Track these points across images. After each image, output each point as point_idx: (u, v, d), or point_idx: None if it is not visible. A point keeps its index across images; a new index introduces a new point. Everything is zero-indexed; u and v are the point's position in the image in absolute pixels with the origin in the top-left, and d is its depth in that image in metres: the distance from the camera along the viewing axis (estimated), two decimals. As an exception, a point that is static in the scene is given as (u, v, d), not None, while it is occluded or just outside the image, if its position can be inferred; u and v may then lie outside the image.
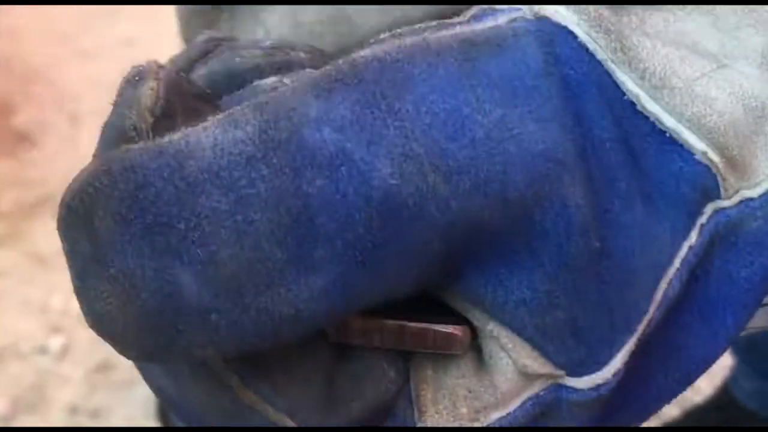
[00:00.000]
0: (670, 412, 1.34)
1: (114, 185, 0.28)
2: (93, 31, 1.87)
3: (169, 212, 0.28)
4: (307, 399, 0.30)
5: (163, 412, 1.07)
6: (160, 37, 1.90)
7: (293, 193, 0.28)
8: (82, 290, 0.29)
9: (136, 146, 0.29)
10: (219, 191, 0.28)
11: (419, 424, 0.32)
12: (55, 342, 1.34)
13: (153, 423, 1.12)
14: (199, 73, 0.33)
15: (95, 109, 1.74)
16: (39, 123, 1.68)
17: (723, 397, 1.20)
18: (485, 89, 0.30)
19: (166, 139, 0.29)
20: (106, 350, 1.31)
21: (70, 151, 1.65)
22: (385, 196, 0.29)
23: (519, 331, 0.31)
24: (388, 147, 0.29)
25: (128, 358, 0.29)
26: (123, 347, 0.29)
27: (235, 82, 0.32)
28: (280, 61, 0.32)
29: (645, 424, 0.39)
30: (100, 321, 0.29)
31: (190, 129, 0.28)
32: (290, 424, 0.30)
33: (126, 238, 0.28)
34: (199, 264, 0.28)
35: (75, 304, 1.35)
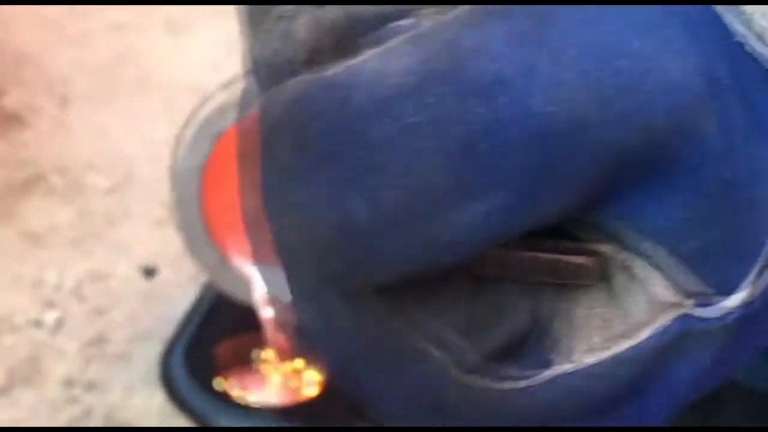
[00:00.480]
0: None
1: (289, 117, 0.29)
2: (81, 17, 1.88)
3: (340, 142, 0.29)
4: (451, 326, 0.31)
5: (167, 378, 1.07)
6: (149, 22, 1.91)
7: (457, 121, 0.29)
8: (268, 219, 0.31)
9: (303, 78, 0.30)
10: (387, 120, 0.29)
11: (551, 356, 0.33)
12: (49, 316, 1.34)
13: (154, 390, 1.13)
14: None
15: (84, 92, 1.75)
16: (29, 105, 1.69)
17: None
18: (621, 23, 0.31)
19: (330, 71, 0.30)
20: (100, 325, 1.31)
21: (61, 133, 1.65)
22: (541, 124, 0.30)
23: (652, 260, 0.32)
24: (541, 76, 0.30)
25: (302, 284, 0.30)
26: (300, 273, 0.30)
27: (359, 27, 0.32)
28: (402, 9, 0.33)
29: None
30: (281, 249, 0.30)
31: (349, 61, 0.29)
32: (433, 353, 0.31)
33: (303, 168, 0.29)
34: (371, 192, 0.29)
35: (68, 280, 1.36)
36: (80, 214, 1.51)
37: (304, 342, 0.34)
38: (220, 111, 1.01)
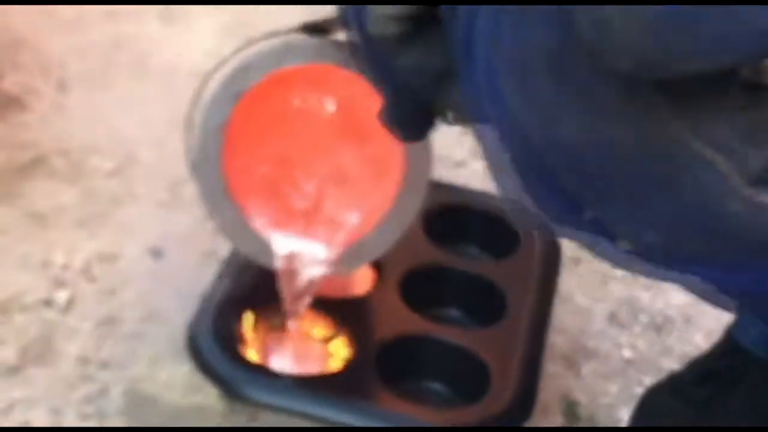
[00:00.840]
0: (672, 365, 1.38)
1: None
2: (76, 3, 1.87)
3: None
4: (731, 132, 0.32)
5: (195, 348, 1.07)
6: (143, 9, 1.91)
7: None
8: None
9: None
10: None
11: None
12: (60, 296, 1.34)
13: (181, 360, 1.12)
14: None
15: (81, 76, 1.74)
16: (27, 89, 1.68)
17: (727, 345, 1.22)
18: None
19: None
20: (111, 304, 1.30)
21: (60, 115, 1.65)
22: None
23: None
24: None
25: (620, 69, 0.30)
26: (620, 56, 0.30)
27: None
28: None
29: None
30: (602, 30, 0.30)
31: None
32: (716, 159, 0.32)
33: None
34: None
35: (77, 261, 1.35)
36: (85, 196, 1.50)
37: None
38: (243, 70, 1.00)
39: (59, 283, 1.36)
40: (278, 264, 1.03)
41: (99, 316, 1.32)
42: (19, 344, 1.28)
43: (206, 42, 1.86)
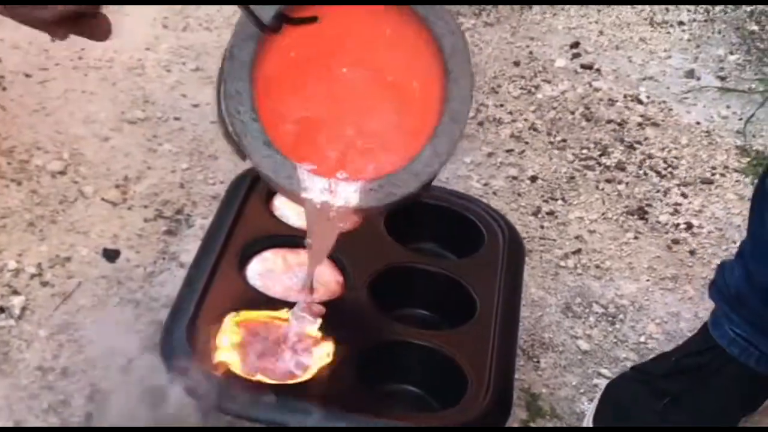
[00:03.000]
0: (628, 355, 1.40)
1: None
2: None
3: None
4: None
5: (169, 354, 1.06)
6: None
7: None
8: None
9: None
10: None
11: None
12: (15, 302, 1.31)
13: (147, 367, 1.11)
14: None
15: (19, 73, 1.70)
16: (-36, 86, 1.64)
17: (702, 341, 1.25)
18: None
19: None
20: (67, 308, 1.27)
21: (0, 114, 1.61)
22: None
23: None
24: None
25: None
26: None
27: None
28: None
29: None
30: None
31: None
32: None
33: None
34: None
35: (29, 265, 1.32)
36: (32, 197, 1.47)
37: None
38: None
39: (12, 290, 1.33)
40: (312, 198, 0.98)
41: (55, 322, 1.30)
42: (-26, 354, 1.25)
43: (143, 35, 1.84)
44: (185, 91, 1.73)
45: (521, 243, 1.31)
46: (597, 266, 1.52)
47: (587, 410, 1.31)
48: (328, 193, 0.99)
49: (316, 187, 0.98)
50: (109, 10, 1.86)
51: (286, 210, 1.27)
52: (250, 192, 1.27)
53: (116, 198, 1.50)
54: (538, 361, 1.38)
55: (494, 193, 1.63)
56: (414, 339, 1.12)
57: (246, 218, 1.23)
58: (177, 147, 1.61)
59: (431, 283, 1.22)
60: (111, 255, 1.40)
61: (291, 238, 1.21)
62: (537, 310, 1.45)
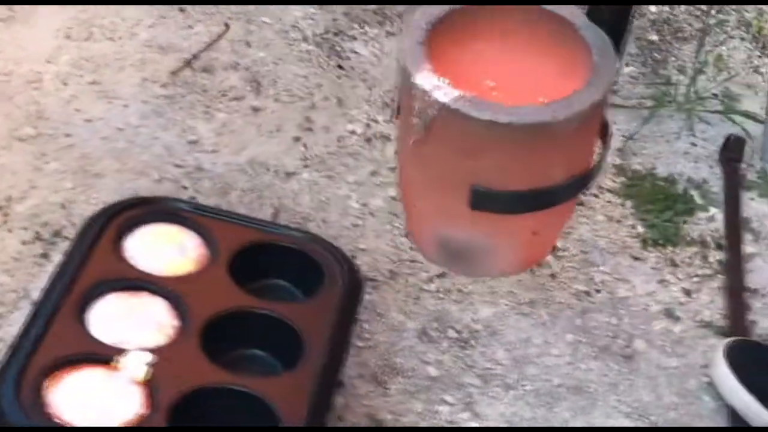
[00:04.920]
0: (473, 381, 1.47)
1: None
2: None
3: None
4: None
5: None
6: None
7: None
8: None
9: None
10: None
11: None
12: None
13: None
14: None
15: None
16: None
17: None
18: None
19: None
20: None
21: None
22: None
23: None
24: None
25: None
26: None
27: None
28: None
29: None
30: None
31: None
32: None
33: None
34: None
35: None
36: None
37: None
38: None
39: None
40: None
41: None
42: None
43: (46, 46, 1.89)
44: (80, 105, 1.79)
45: (359, 279, 1.38)
46: (459, 290, 1.59)
47: (426, 438, 1.39)
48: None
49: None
50: (15, 20, 1.92)
51: (136, 252, 1.34)
52: (102, 232, 1.33)
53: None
54: (387, 387, 1.46)
55: (371, 214, 1.69)
56: (232, 385, 1.20)
57: (94, 260, 1.30)
58: (64, 165, 1.68)
59: (265, 326, 1.29)
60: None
61: (137, 282, 1.28)
62: (394, 335, 1.52)
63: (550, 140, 1.18)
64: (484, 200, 1.21)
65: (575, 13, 1.29)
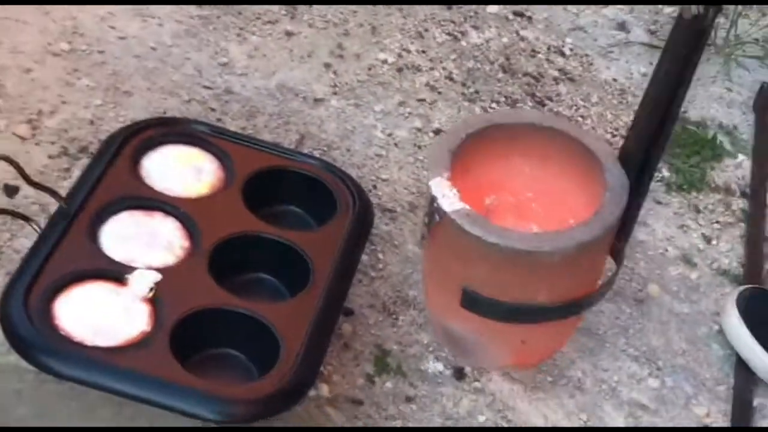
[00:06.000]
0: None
1: None
2: None
3: None
4: None
5: (5, 317, 1.16)
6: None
7: None
8: None
9: None
10: None
11: None
12: None
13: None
14: None
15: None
16: None
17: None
18: None
19: None
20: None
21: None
22: None
23: None
24: None
25: None
26: None
27: None
28: None
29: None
30: None
31: None
32: None
33: None
34: None
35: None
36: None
37: None
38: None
39: None
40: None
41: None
42: None
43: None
44: (114, 22, 1.80)
45: (371, 209, 1.39)
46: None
47: (431, 370, 1.41)
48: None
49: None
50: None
51: (153, 172, 1.36)
52: (120, 151, 1.36)
53: (26, 133, 1.59)
54: (396, 318, 1.47)
55: (395, 145, 1.70)
56: (235, 307, 1.22)
57: (111, 177, 1.32)
58: (95, 82, 1.69)
59: (274, 252, 1.31)
60: (11, 190, 1.50)
61: (150, 201, 1.31)
62: (408, 267, 1.54)
63: (532, 266, 1.26)
64: (473, 303, 1.30)
65: (606, 151, 1.33)
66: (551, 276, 1.27)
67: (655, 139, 1.27)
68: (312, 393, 1.37)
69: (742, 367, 1.44)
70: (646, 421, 1.40)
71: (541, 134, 1.36)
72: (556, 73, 1.87)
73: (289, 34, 1.85)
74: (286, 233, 1.33)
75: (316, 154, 1.64)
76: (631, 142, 1.31)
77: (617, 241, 1.33)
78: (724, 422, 1.41)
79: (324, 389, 1.38)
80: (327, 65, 1.81)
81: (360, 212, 1.37)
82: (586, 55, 1.93)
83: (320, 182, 1.39)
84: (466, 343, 1.39)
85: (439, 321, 1.42)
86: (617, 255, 1.35)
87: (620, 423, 1.40)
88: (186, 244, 1.28)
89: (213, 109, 1.69)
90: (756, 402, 1.43)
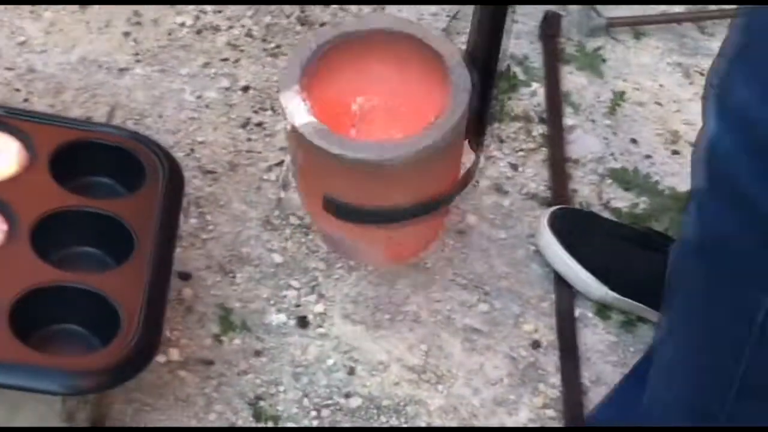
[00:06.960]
0: (317, 265, 1.53)
1: None
2: None
3: None
4: None
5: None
6: None
7: None
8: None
9: None
10: None
11: None
12: None
13: None
14: None
15: None
16: None
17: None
18: None
19: None
20: None
21: None
22: None
23: None
24: None
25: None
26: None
27: None
28: None
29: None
30: None
31: None
32: None
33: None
34: None
35: None
36: None
37: None
38: None
39: None
40: None
41: None
42: None
43: None
44: None
45: (181, 175, 1.42)
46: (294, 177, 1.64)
47: (274, 322, 1.46)
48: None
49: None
50: None
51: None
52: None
53: None
54: (234, 276, 1.51)
55: (206, 106, 1.72)
56: (68, 282, 1.25)
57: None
58: None
59: (92, 223, 1.33)
60: None
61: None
62: (238, 225, 1.57)
63: (379, 174, 1.31)
64: (335, 209, 1.35)
65: (451, 51, 1.40)
66: (402, 181, 1.33)
67: (495, 32, 1.37)
68: (163, 359, 1.41)
69: (561, 283, 1.55)
70: (481, 344, 1.49)
71: (394, 39, 1.41)
72: (353, 19, 1.92)
73: (82, 6, 1.83)
74: (101, 203, 1.34)
75: (130, 123, 1.64)
76: (474, 37, 1.40)
77: (475, 136, 1.40)
78: (551, 336, 1.51)
79: (174, 354, 1.41)
80: (126, 34, 1.81)
81: (169, 176, 1.39)
82: (381, -1, 1.98)
83: (125, 151, 1.40)
84: (342, 245, 1.45)
85: (319, 228, 1.49)
86: (478, 148, 1.43)
87: (458, 348, 1.48)
88: (4, 227, 1.28)
89: (18, 90, 1.67)
90: (577, 312, 1.54)
